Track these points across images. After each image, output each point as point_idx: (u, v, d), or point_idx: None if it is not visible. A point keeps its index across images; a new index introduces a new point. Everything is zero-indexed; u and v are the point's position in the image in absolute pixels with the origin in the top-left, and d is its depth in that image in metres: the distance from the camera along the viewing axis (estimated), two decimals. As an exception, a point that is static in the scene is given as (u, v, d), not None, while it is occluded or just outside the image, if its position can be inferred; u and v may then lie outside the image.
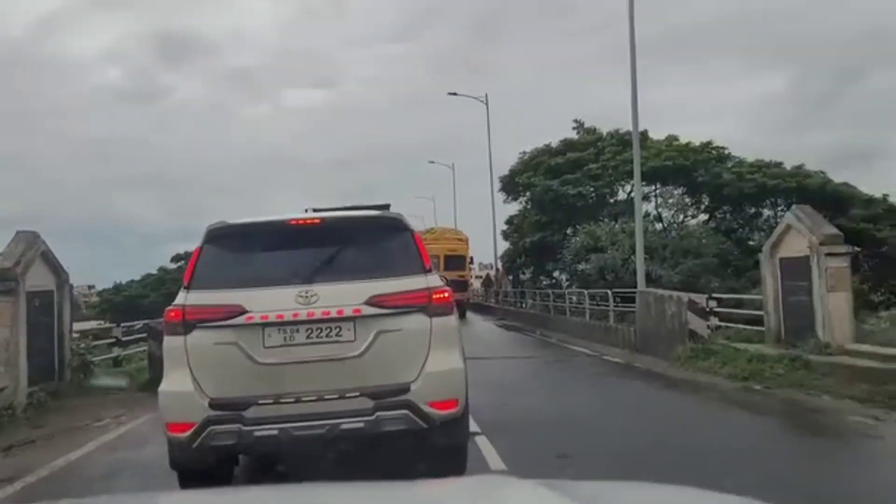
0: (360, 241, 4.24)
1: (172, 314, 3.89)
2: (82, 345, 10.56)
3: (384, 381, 3.86)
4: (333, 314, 3.82)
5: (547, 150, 24.51)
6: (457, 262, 25.46)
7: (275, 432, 3.71)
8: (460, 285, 23.53)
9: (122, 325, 13.47)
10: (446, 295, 4.12)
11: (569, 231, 23.53)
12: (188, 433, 3.71)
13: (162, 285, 39.52)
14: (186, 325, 3.82)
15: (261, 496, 1.65)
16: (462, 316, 24.37)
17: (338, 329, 3.84)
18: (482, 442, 5.13)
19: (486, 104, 29.14)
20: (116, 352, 12.33)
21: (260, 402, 3.75)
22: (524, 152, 25.54)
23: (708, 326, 10.56)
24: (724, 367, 8.85)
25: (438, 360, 3.91)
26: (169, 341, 3.94)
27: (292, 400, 3.78)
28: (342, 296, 3.89)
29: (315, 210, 15.06)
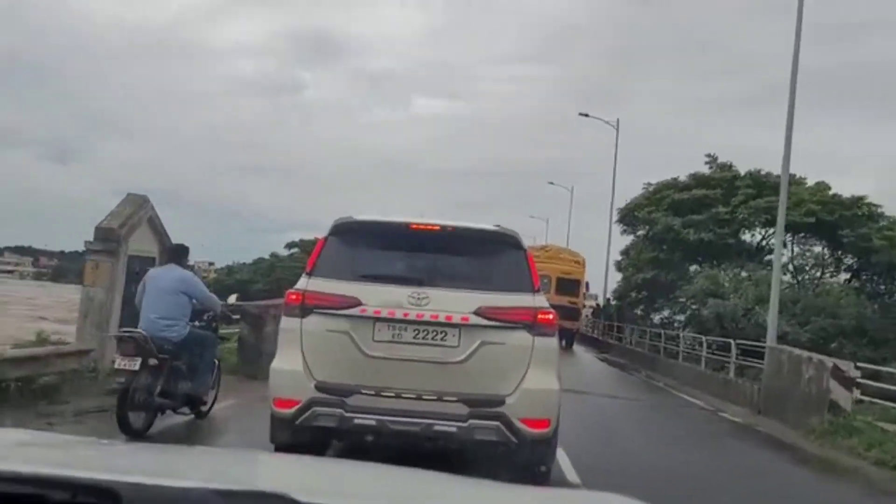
0: (474, 252, 4.47)
1: (293, 297, 4.24)
2: None
3: (481, 390, 4.05)
4: (442, 318, 4.05)
5: (674, 185, 23.08)
6: (570, 286, 23.40)
7: (373, 422, 3.98)
8: (571, 312, 21.94)
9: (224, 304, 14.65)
10: (551, 317, 4.25)
11: (689, 270, 22.38)
12: (292, 410, 4.03)
13: (272, 272, 41.61)
14: (304, 308, 4.16)
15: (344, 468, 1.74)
16: (569, 346, 22.01)
17: (444, 333, 4.08)
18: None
19: (617, 129, 29.08)
20: None
21: (363, 391, 4.03)
22: (649, 183, 24.15)
23: (851, 398, 9.32)
24: (871, 451, 7.73)
25: (536, 378, 4.07)
26: (286, 322, 4.30)
27: (393, 395, 4.02)
28: (452, 302, 4.12)
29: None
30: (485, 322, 4.06)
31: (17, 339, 10.69)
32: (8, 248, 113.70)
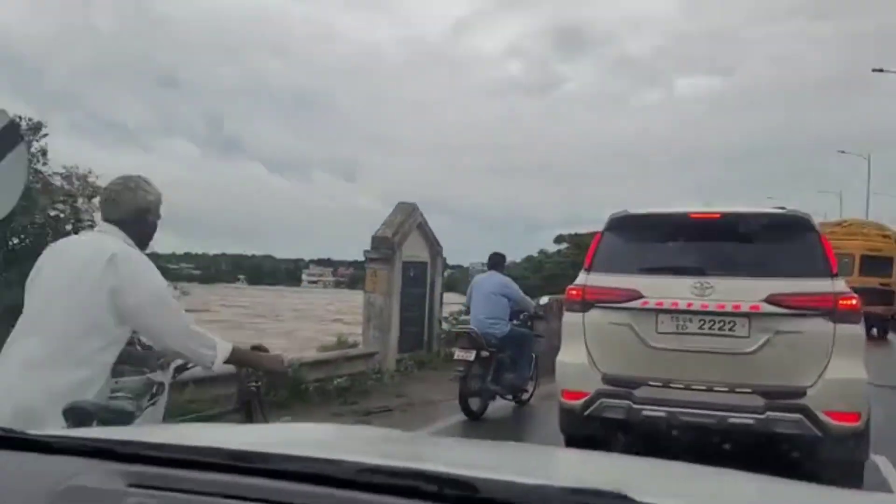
0: (760, 237, 4.51)
1: (574, 293, 4.68)
2: (450, 317, 11.45)
3: (778, 381, 4.08)
4: (729, 308, 4.17)
5: None
6: (879, 265, 20.81)
7: (662, 414, 4.22)
8: (882, 296, 19.54)
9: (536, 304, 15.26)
10: (854, 302, 4.15)
11: None
12: (581, 401, 4.45)
13: (540, 268, 45.96)
14: (585, 303, 4.57)
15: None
16: (882, 335, 19.18)
17: (731, 324, 4.18)
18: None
19: None
20: None
21: (650, 383, 4.29)
22: None
23: None
24: None
25: (840, 368, 3.99)
26: (568, 317, 4.74)
27: (681, 386, 4.22)
28: (739, 291, 4.21)
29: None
30: (777, 310, 4.08)
31: (320, 342, 12.85)
32: (312, 261, 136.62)
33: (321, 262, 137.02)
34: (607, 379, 4.44)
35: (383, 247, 9.48)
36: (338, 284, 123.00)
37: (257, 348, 2.77)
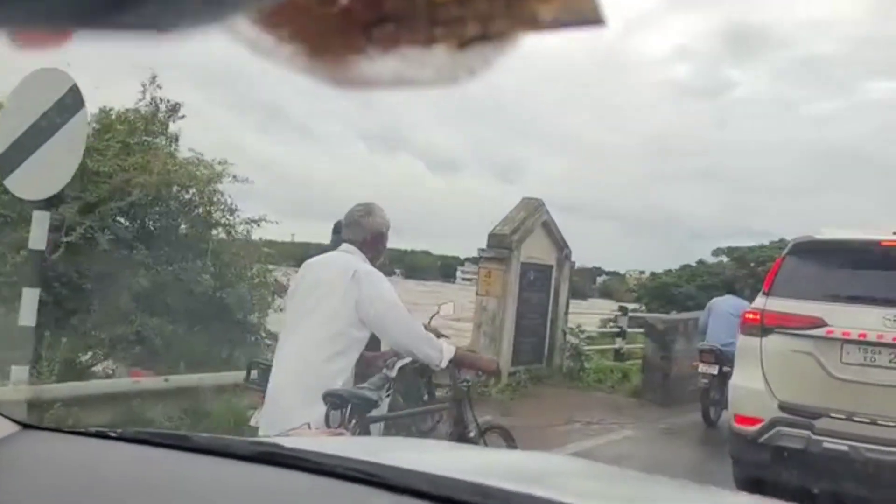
0: None
1: (751, 316, 5.26)
2: (577, 329, 11.90)
3: None
4: None
5: None
6: None
7: (845, 448, 4.71)
8: None
9: (630, 313, 14.59)
10: None
11: None
12: (756, 428, 5.05)
13: (696, 278, 48.36)
14: (764, 328, 5.14)
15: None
16: None
17: None
18: None
19: None
20: (619, 343, 13.58)
21: (832, 414, 4.79)
22: None
23: None
24: None
25: None
26: (744, 340, 5.34)
27: (867, 421, 4.69)
28: None
29: None
30: None
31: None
32: (468, 259, 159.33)
33: (475, 261, 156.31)
34: (784, 407, 4.98)
35: (500, 245, 9.83)
36: None
37: (472, 351, 3.63)
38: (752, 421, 5.15)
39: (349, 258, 3.32)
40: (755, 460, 5.28)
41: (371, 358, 3.55)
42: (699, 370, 8.43)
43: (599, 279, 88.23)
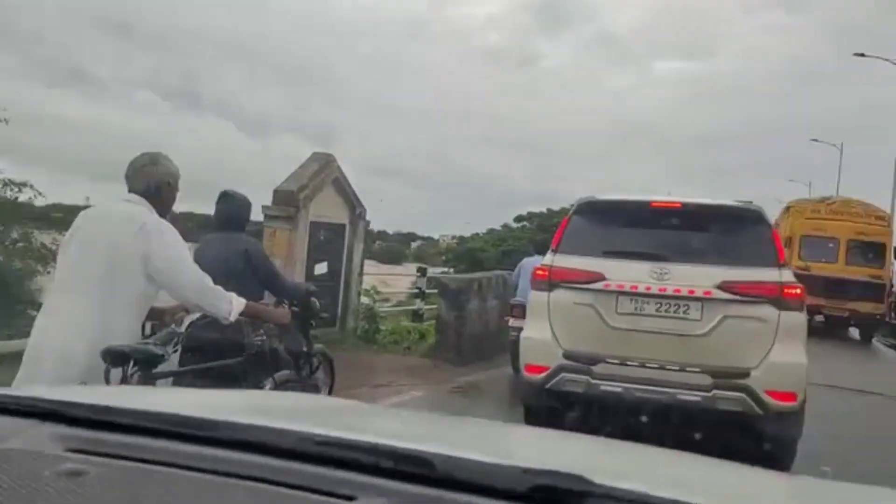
0: (716, 228, 5.75)
1: (540, 272, 5.82)
2: (372, 290, 12.38)
3: (725, 362, 5.29)
4: (684, 293, 5.41)
5: None
6: (868, 252, 20.62)
7: (619, 389, 5.42)
8: (870, 290, 19.55)
9: (429, 275, 15.22)
10: (798, 291, 5.43)
11: None
12: (542, 375, 5.66)
13: (502, 242, 52.72)
14: (551, 283, 5.73)
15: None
16: (866, 339, 20.39)
17: (686, 307, 5.44)
18: None
19: None
20: (418, 304, 14.12)
21: (608, 360, 5.49)
22: None
23: None
24: None
25: (782, 352, 5.29)
26: (534, 295, 5.92)
27: (637, 364, 5.43)
28: (694, 277, 5.41)
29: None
30: (728, 296, 5.34)
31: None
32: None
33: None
34: (568, 355, 5.64)
35: (286, 202, 9.80)
36: None
37: (266, 304, 3.65)
38: (540, 369, 5.80)
39: (135, 209, 3.28)
40: (543, 406, 5.97)
41: (160, 312, 3.61)
42: (509, 324, 9.40)
43: (414, 244, 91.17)
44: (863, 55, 32.08)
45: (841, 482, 1.98)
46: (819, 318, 18.84)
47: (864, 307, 19.66)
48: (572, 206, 6.47)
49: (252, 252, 5.20)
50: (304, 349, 4.67)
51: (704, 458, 1.97)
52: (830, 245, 20.31)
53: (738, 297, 5.47)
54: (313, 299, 4.76)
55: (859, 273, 19.87)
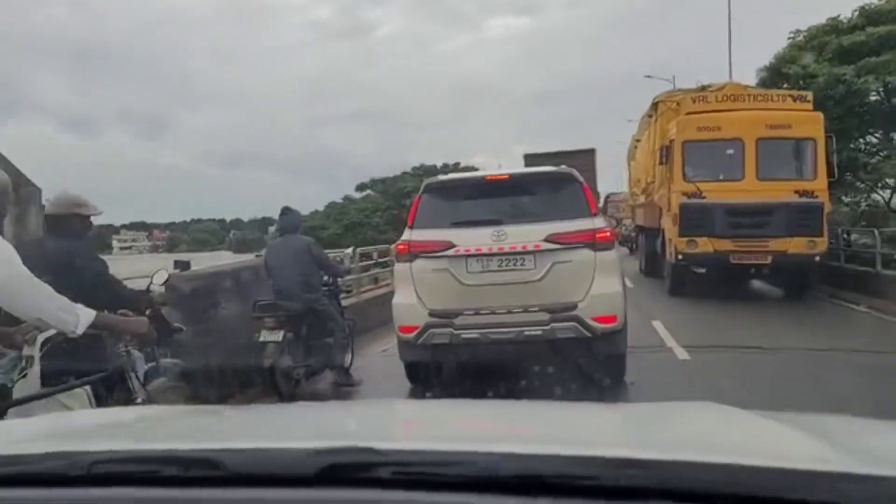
0: (539, 191, 7.04)
1: (402, 247, 6.99)
2: None
3: (557, 299, 6.59)
4: (519, 249, 6.66)
5: (834, 27, 22.45)
6: (793, 155, 14.42)
7: (476, 335, 6.66)
8: (801, 218, 13.68)
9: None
10: (608, 234, 6.77)
11: (863, 144, 21.00)
12: (414, 333, 6.83)
13: (344, 216, 51.23)
14: (412, 255, 6.89)
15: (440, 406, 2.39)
16: (797, 291, 14.70)
17: (522, 260, 6.69)
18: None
19: None
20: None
21: (465, 312, 6.68)
22: (797, 31, 23.72)
23: None
24: None
25: (601, 284, 6.66)
26: (399, 266, 7.10)
27: (488, 312, 6.66)
28: (525, 234, 6.65)
29: (526, 155, 21.44)
30: (554, 246, 6.62)
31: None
32: (123, 226, 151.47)
33: (134, 227, 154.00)
34: (433, 313, 6.81)
35: None
36: (155, 248, 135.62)
37: (124, 313, 3.49)
38: (411, 328, 6.99)
39: None
40: (419, 358, 7.22)
41: (8, 335, 3.39)
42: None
43: (270, 229, 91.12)
44: None
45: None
46: (732, 266, 14.18)
47: (795, 245, 13.51)
48: (421, 168, 7.75)
49: (312, 245, 8.08)
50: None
51: (521, 402, 2.09)
52: (730, 151, 14.09)
53: (561, 246, 6.81)
54: None
55: (780, 191, 13.72)
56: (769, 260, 13.75)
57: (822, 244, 13.75)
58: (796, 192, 13.77)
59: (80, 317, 3.14)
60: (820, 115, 14.66)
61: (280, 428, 1.79)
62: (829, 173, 14.30)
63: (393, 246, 15.44)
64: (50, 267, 4.16)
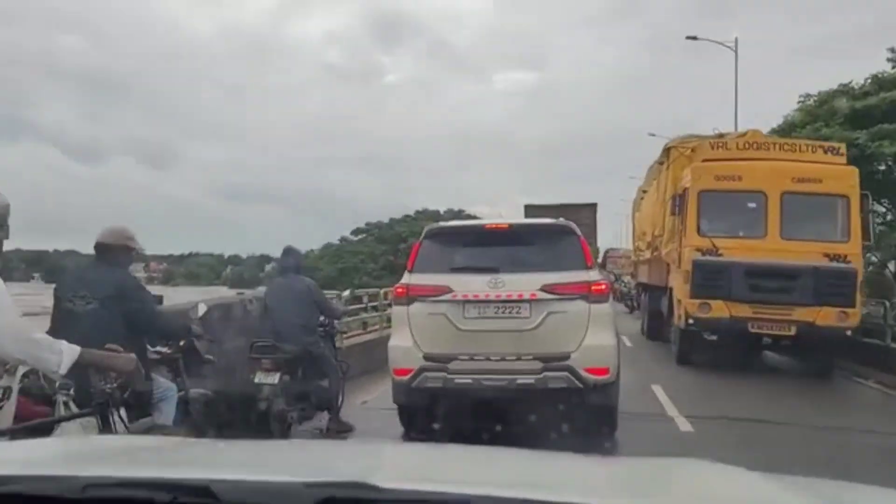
0: (537, 242, 7.21)
1: (400, 290, 7.13)
2: None
3: (551, 349, 6.68)
4: (515, 297, 6.76)
5: (845, 91, 22.62)
6: (822, 213, 12.80)
7: (469, 381, 6.73)
8: (831, 284, 11.93)
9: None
10: (603, 287, 6.94)
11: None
12: (408, 376, 6.90)
13: (339, 259, 51.27)
14: (410, 298, 7.00)
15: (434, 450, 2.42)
16: (824, 370, 12.80)
17: (518, 308, 6.79)
18: None
19: (736, 50, 29.28)
20: None
21: (460, 357, 6.77)
22: (807, 95, 23.95)
23: None
24: None
25: (594, 336, 6.74)
26: (396, 309, 7.23)
27: (483, 358, 6.74)
28: (522, 283, 6.78)
29: (528, 206, 24.34)
30: (549, 296, 6.74)
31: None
32: None
33: (153, 259, 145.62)
34: (428, 357, 6.89)
35: None
36: (150, 280, 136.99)
37: (111, 349, 3.39)
38: (406, 371, 7.08)
39: None
40: (412, 402, 7.29)
41: None
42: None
43: (268, 266, 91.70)
44: (695, 38, 31.99)
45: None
46: (750, 336, 12.56)
47: (824, 315, 11.82)
48: (417, 214, 7.96)
49: (311, 286, 8.09)
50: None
51: (515, 450, 2.11)
52: (752, 205, 12.60)
53: (556, 296, 6.94)
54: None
55: (808, 252, 12.06)
56: (793, 331, 12.00)
57: (854, 316, 12.14)
58: (826, 255, 12.11)
59: (64, 355, 3.06)
60: (855, 171, 12.95)
61: (274, 461, 1.83)
62: (865, 236, 12.74)
63: (382, 291, 15.61)
64: (98, 293, 4.59)
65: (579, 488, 1.65)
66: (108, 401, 3.55)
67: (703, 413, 9.19)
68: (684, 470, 1.94)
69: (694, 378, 12.67)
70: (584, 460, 2.19)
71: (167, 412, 4.87)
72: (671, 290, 14.35)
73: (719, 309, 12.47)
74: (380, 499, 1.17)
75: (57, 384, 3.53)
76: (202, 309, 6.39)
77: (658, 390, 10.50)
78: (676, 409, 9.37)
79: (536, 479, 1.69)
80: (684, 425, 8.63)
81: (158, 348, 5.33)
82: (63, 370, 3.08)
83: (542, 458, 2.09)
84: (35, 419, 3.60)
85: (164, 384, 4.93)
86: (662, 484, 1.76)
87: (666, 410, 9.41)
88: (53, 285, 5.05)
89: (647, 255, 18.95)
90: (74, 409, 3.58)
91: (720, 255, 12.44)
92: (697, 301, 12.56)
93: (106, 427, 3.54)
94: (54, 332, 4.28)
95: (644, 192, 21.22)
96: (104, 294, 4.62)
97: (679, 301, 13.28)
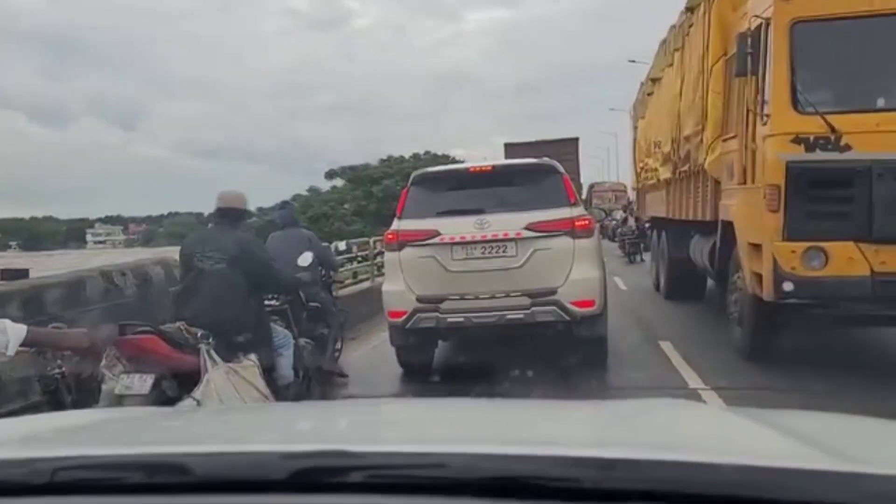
0: (521, 182, 7.45)
1: (391, 236, 7.39)
2: None
3: (538, 285, 7.00)
4: (501, 236, 7.06)
5: None
6: None
7: (461, 319, 7.06)
8: None
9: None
10: (586, 222, 7.20)
11: None
12: (402, 318, 7.23)
13: (308, 208, 50.87)
14: (400, 244, 7.28)
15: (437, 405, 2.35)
16: None
17: (504, 247, 7.10)
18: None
19: None
20: None
21: (450, 298, 7.08)
22: None
23: None
24: None
25: (580, 270, 7.07)
26: (388, 255, 7.53)
27: (472, 297, 7.05)
28: (507, 223, 7.05)
29: (507, 144, 23.07)
30: (535, 234, 7.01)
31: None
32: (98, 220, 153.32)
33: (110, 220, 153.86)
34: (420, 299, 7.21)
35: None
36: (130, 243, 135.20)
37: (58, 327, 3.32)
38: (400, 313, 7.40)
39: None
40: (408, 342, 7.69)
41: None
42: None
43: (251, 221, 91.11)
44: None
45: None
46: None
47: None
48: (389, 159, 8.12)
49: (312, 238, 8.25)
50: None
51: (496, 401, 2.08)
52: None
53: (542, 234, 7.24)
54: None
55: None
56: None
57: None
58: None
59: (9, 335, 2.96)
60: None
61: (251, 430, 1.78)
62: None
63: (371, 240, 15.96)
64: (227, 253, 5.02)
65: (585, 440, 1.67)
66: (58, 386, 3.40)
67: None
68: (683, 412, 1.92)
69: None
70: (582, 407, 2.16)
71: (287, 357, 5.43)
72: (728, 225, 8.41)
73: (846, 258, 6.79)
74: (358, 465, 1.15)
75: (198, 334, 3.95)
76: (308, 258, 7.11)
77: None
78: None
79: (537, 433, 1.67)
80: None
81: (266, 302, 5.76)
82: (11, 351, 3.02)
83: (538, 409, 2.09)
84: (185, 367, 3.96)
85: (281, 332, 5.47)
86: (667, 428, 1.74)
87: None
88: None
89: (666, 173, 12.76)
90: (217, 358, 3.96)
91: (846, 147, 6.70)
92: (801, 245, 6.82)
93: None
94: (186, 289, 5.01)
95: (653, 82, 14.54)
96: (231, 254, 5.04)
97: (755, 248, 7.42)
